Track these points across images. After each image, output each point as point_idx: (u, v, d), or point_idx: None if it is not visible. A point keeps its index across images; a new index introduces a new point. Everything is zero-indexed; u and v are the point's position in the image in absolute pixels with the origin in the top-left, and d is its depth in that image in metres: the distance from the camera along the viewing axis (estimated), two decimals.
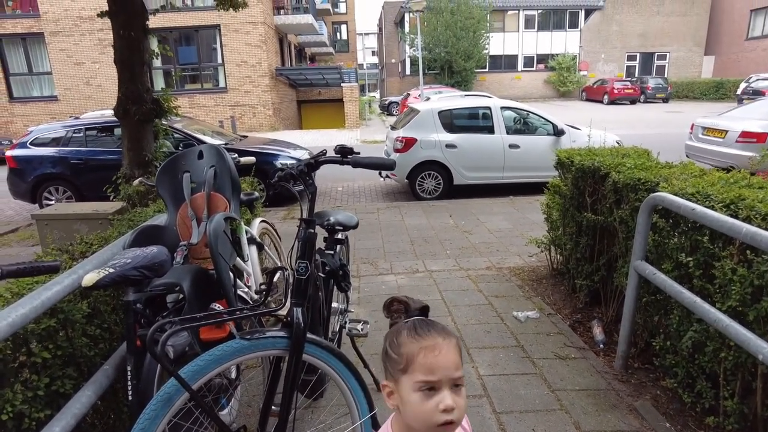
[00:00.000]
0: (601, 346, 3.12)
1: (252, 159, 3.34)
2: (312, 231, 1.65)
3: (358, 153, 1.69)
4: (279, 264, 3.23)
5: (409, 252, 5.07)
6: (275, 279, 2.49)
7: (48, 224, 4.13)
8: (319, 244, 2.27)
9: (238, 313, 1.61)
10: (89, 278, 1.57)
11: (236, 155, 3.12)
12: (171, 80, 18.50)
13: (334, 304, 2.52)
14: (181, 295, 1.85)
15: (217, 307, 1.91)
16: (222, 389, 1.96)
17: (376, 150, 11.85)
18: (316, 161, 1.68)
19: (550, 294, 3.92)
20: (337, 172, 9.98)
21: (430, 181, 7.61)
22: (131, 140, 4.78)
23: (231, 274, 2.07)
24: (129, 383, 1.64)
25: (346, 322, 2.36)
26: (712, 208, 2.16)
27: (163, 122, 5.38)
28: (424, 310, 1.07)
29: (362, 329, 2.27)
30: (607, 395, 2.60)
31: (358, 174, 9.98)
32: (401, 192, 8.38)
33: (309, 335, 1.59)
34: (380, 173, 8.38)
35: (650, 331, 2.81)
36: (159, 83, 18.07)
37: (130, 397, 1.63)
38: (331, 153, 1.72)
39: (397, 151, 7.44)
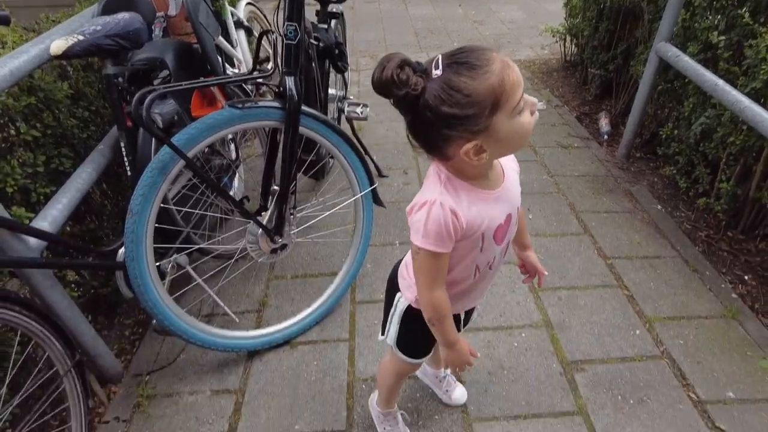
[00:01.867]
0: (606, 137, 3.08)
1: None
2: None
3: None
4: (269, 50, 2.98)
5: (412, 44, 4.72)
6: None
7: (12, 12, 3.74)
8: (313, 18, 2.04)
9: (224, 79, 1.49)
10: (57, 46, 1.42)
11: None
12: None
13: (332, 91, 2.40)
14: (167, 71, 1.71)
15: None
16: (223, 169, 1.96)
17: None
18: None
19: (559, 86, 3.75)
20: None
21: None
22: None
23: (219, 56, 1.91)
24: (125, 160, 1.62)
25: (345, 107, 2.27)
26: None
27: None
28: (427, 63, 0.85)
29: (362, 112, 2.18)
30: (605, 181, 2.65)
31: None
32: None
33: (304, 107, 1.50)
34: None
35: (659, 122, 2.73)
36: None
37: (128, 173, 1.62)
38: None
39: None
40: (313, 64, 1.91)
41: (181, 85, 1.38)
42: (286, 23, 1.42)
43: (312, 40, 1.80)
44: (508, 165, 1.00)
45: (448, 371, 1.58)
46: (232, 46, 2.64)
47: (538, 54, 4.35)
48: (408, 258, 1.10)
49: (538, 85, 3.76)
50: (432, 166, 0.92)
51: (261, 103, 1.46)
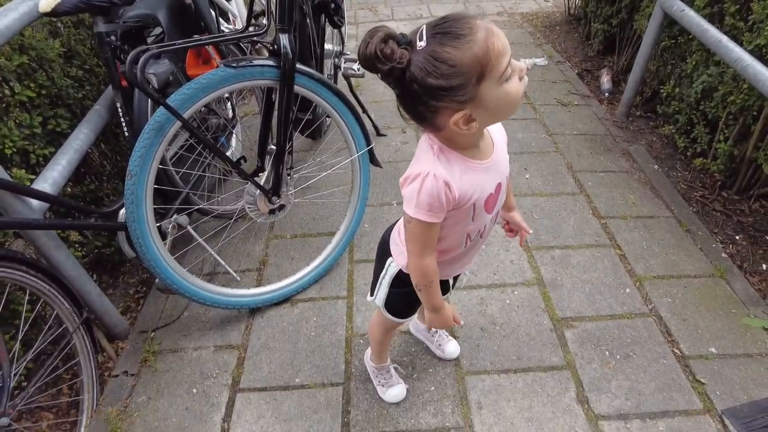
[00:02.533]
0: (607, 94, 3.05)
1: None
2: None
3: None
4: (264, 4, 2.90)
5: None
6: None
7: None
8: None
9: (218, 38, 1.47)
10: (46, 2, 1.39)
11: None
12: None
13: (329, 46, 2.35)
14: (160, 29, 1.68)
15: None
16: (220, 128, 1.96)
17: None
18: None
19: (562, 41, 3.66)
20: None
21: None
22: None
23: (212, 11, 1.86)
24: (122, 120, 1.62)
25: (341, 63, 2.23)
26: None
27: None
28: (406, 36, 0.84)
29: (358, 69, 2.15)
30: (604, 140, 2.64)
31: None
32: None
33: (299, 66, 1.49)
34: None
35: (660, 79, 2.70)
36: None
37: (126, 134, 1.62)
38: None
39: None
40: (308, 20, 1.87)
41: (175, 44, 1.36)
42: None
43: None
44: (497, 135, 1.00)
45: None
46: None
47: (541, 6, 4.23)
48: (401, 224, 1.12)
49: (540, 39, 3.67)
50: (423, 137, 0.93)
51: (255, 62, 1.44)
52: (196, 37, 1.60)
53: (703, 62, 2.28)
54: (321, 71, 2.15)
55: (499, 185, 0.99)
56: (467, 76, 0.77)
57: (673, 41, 2.54)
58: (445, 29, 0.78)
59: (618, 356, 1.62)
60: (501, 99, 0.82)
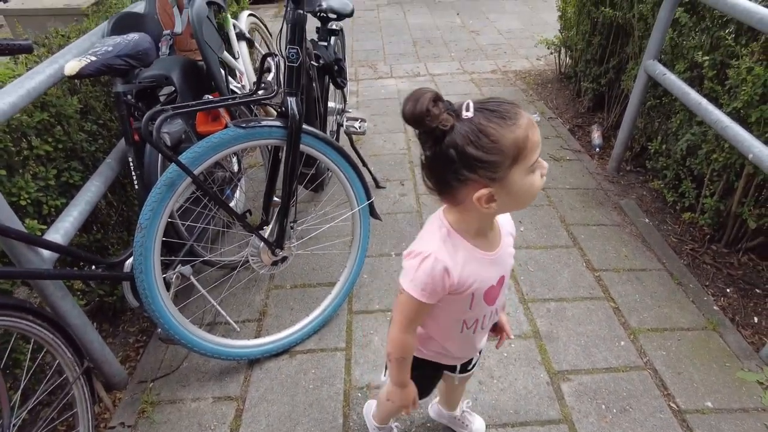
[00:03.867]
0: (597, 150, 3.17)
1: None
2: (301, 12, 1.50)
3: None
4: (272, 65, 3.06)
5: (411, 54, 4.80)
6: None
7: (18, 20, 3.81)
8: (312, 35, 2.12)
9: (230, 100, 1.56)
10: (71, 66, 1.49)
11: None
12: None
13: (331, 104, 2.47)
14: (173, 88, 1.79)
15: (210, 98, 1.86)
16: (226, 181, 2.03)
17: None
18: None
19: (553, 98, 3.83)
20: None
21: None
22: None
23: (222, 70, 1.98)
24: (133, 174, 1.69)
25: (343, 121, 2.34)
26: None
27: None
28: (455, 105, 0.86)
29: (360, 127, 2.26)
30: (596, 194, 2.73)
31: None
32: None
33: (305, 126, 1.58)
34: None
35: (648, 136, 2.82)
36: None
37: (136, 187, 1.69)
38: None
39: None
40: (314, 84, 1.99)
41: (189, 105, 1.45)
42: (288, 46, 1.49)
43: (313, 62, 1.87)
44: (505, 228, 1.03)
45: (464, 407, 1.58)
46: (234, 57, 2.72)
47: (533, 65, 4.44)
48: None
49: (532, 97, 3.84)
50: (435, 215, 0.96)
51: (264, 123, 1.53)
52: (209, 98, 1.69)
53: (686, 121, 2.40)
54: (324, 129, 2.25)
55: (502, 278, 1.01)
56: (504, 156, 0.81)
57: (658, 101, 2.67)
58: (492, 108, 0.82)
59: (614, 410, 1.63)
60: (524, 188, 0.85)
